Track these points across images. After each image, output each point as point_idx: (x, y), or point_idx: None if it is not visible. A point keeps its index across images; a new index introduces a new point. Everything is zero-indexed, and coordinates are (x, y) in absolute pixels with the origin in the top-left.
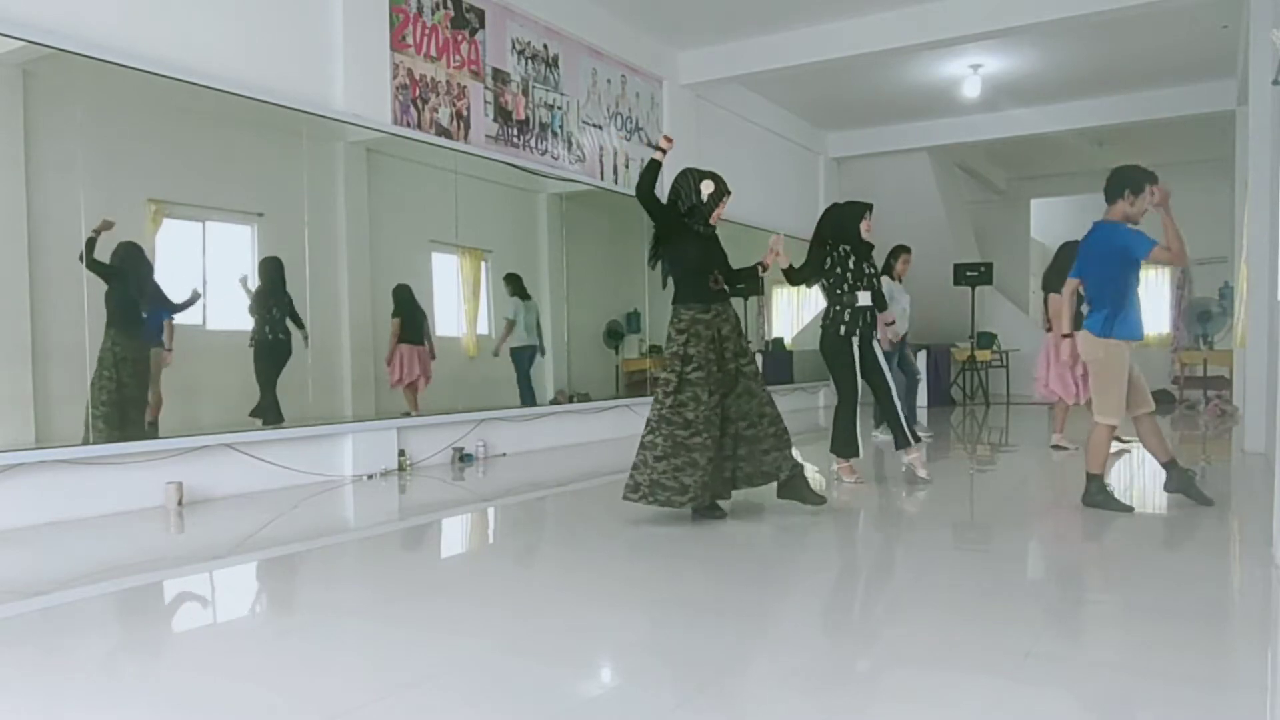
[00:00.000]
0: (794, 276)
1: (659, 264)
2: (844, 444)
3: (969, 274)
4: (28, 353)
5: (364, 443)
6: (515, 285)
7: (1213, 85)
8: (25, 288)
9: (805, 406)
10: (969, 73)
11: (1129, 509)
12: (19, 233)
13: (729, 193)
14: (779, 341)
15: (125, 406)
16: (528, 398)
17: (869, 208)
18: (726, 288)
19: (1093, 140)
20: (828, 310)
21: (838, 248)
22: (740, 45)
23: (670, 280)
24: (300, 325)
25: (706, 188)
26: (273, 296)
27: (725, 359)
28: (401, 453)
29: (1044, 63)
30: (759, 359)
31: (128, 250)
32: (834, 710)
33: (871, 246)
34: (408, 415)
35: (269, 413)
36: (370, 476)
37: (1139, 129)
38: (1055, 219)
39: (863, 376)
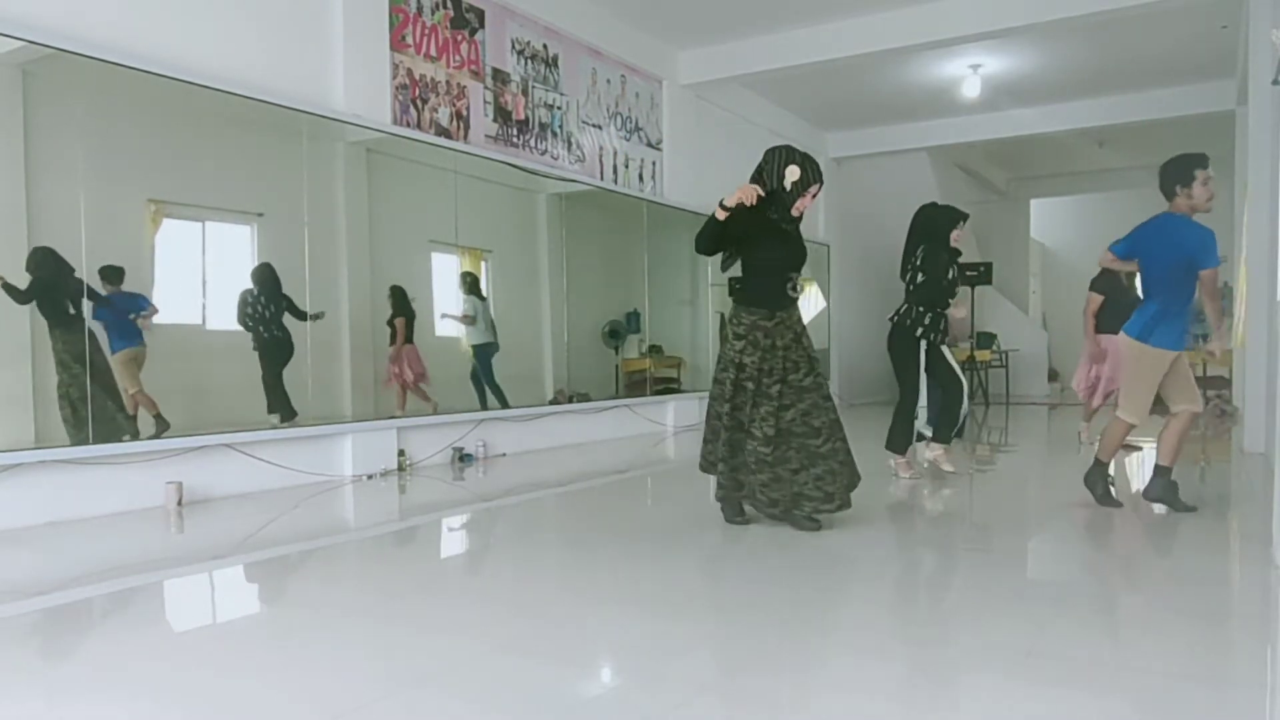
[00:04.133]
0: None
1: (732, 263)
2: (899, 439)
3: (969, 274)
4: (28, 353)
5: (364, 443)
6: (471, 284)
7: (1213, 85)
8: (25, 288)
9: None
10: (969, 73)
11: (1117, 504)
12: (19, 233)
13: (819, 181)
14: None
15: (77, 406)
16: (495, 396)
17: (965, 217)
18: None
19: (1093, 140)
20: (909, 309)
21: (942, 249)
22: (740, 45)
23: (738, 270)
24: (304, 317)
25: (791, 174)
26: (267, 299)
27: (787, 370)
28: (401, 453)
29: (1044, 63)
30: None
31: (44, 256)
32: (833, 710)
33: (959, 253)
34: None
35: (283, 409)
36: (370, 476)
37: (1139, 129)
38: (1055, 219)
39: (934, 378)
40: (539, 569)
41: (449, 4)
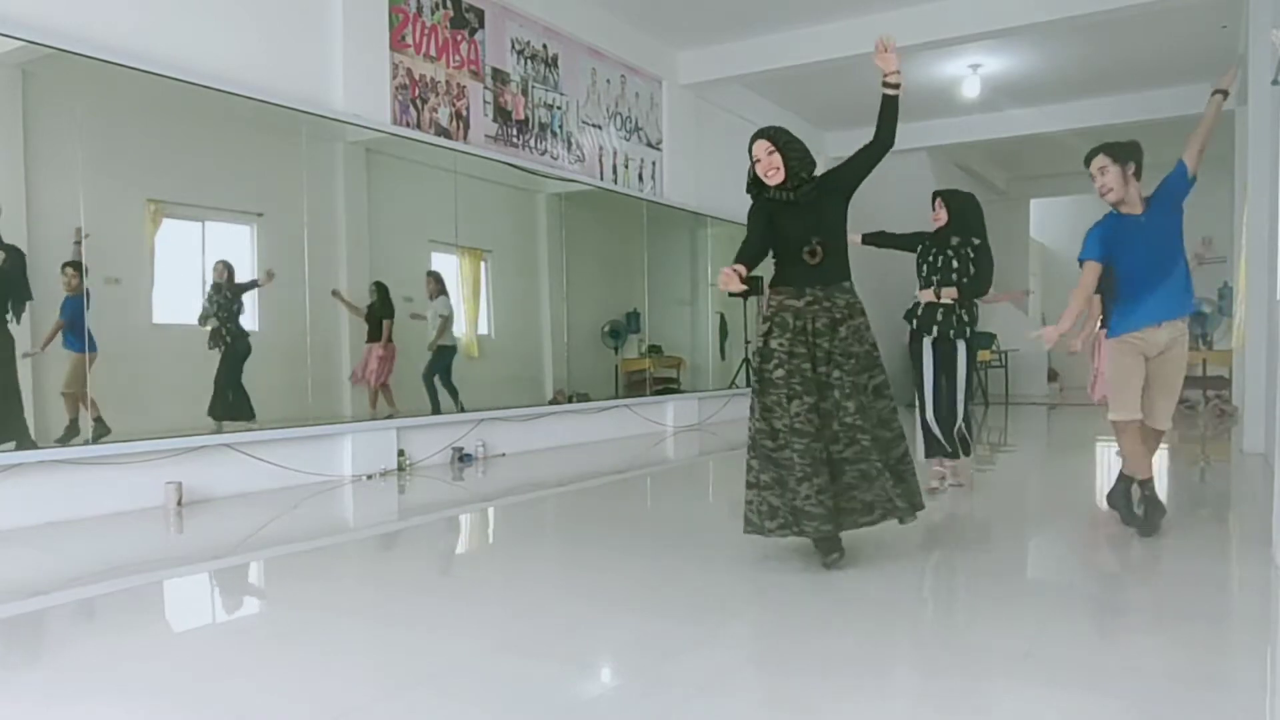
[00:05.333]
0: (869, 238)
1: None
2: (929, 445)
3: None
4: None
5: (363, 443)
6: (440, 283)
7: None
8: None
9: None
10: (968, 73)
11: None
12: (19, 233)
13: (757, 138)
14: None
15: None
16: (450, 396)
17: (934, 195)
18: (823, 261)
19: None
20: (913, 304)
21: (925, 237)
22: (740, 45)
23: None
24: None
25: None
26: (231, 295)
27: (816, 359)
28: (401, 453)
29: (1043, 63)
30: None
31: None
32: (833, 710)
33: (945, 238)
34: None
35: (221, 411)
36: (370, 476)
37: (1139, 129)
38: (1055, 219)
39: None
40: (538, 569)
41: (449, 4)
